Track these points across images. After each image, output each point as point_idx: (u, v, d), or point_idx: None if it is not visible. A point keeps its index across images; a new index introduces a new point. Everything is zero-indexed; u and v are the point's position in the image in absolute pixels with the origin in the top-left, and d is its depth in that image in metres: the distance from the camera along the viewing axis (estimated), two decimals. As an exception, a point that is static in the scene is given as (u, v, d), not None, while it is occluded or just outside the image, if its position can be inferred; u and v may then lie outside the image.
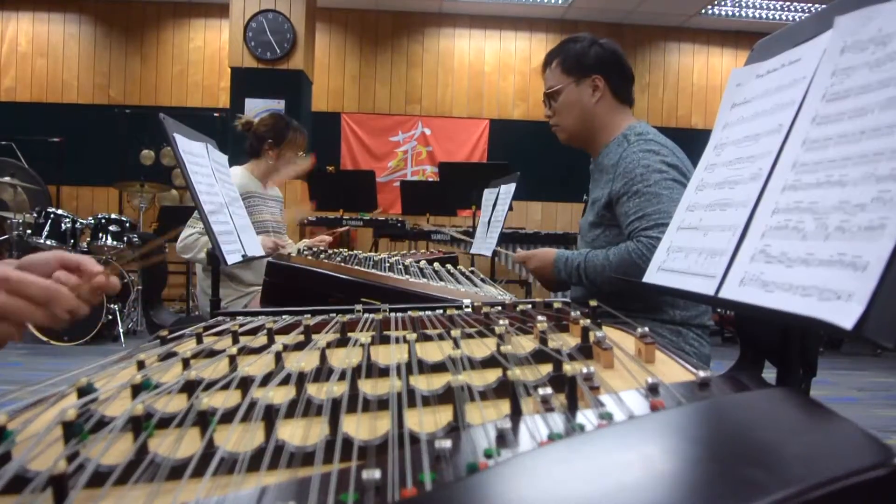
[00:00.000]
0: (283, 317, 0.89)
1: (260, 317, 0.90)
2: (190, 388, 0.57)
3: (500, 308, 0.89)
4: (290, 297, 1.54)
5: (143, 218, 5.80)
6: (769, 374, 0.61)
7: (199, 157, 1.56)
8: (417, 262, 1.70)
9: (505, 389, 0.54)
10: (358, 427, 0.49)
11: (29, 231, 4.81)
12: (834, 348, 5.30)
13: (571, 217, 7.00)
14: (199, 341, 0.78)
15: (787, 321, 0.59)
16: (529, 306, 0.89)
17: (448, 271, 1.49)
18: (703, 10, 6.73)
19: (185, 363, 0.67)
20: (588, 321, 0.73)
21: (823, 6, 0.69)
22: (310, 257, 1.93)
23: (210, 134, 1.78)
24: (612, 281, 1.52)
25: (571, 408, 0.47)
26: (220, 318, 0.94)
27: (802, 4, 6.51)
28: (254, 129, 2.74)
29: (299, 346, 0.73)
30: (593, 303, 0.79)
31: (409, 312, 0.86)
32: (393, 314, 0.86)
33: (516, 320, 0.83)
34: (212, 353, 0.72)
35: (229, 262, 1.50)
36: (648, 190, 1.50)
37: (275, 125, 2.73)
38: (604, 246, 1.61)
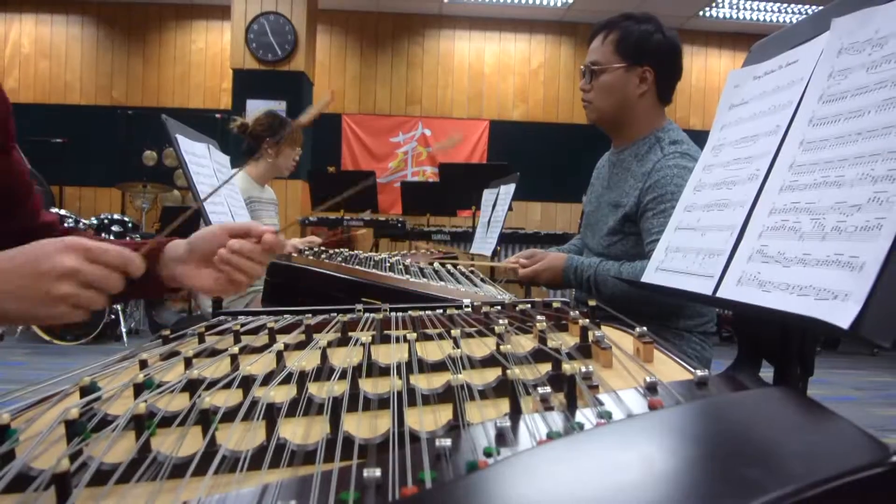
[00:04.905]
0: (285, 316, 0.89)
1: (261, 316, 0.91)
2: (192, 387, 0.57)
3: (499, 308, 0.89)
4: (291, 296, 1.55)
5: (145, 218, 5.81)
6: (767, 373, 0.61)
7: (201, 158, 1.56)
8: (417, 262, 1.70)
9: (504, 388, 0.54)
10: (359, 426, 0.49)
11: (30, 232, 4.81)
12: (831, 348, 5.30)
13: (571, 217, 7.00)
14: (201, 341, 0.79)
15: (784, 321, 0.59)
16: (529, 306, 0.89)
17: (448, 271, 1.50)
18: (702, 12, 6.73)
19: (187, 362, 0.67)
20: (587, 321, 0.73)
21: (821, 8, 0.70)
22: (311, 257, 1.93)
23: (211, 135, 1.79)
24: (619, 291, 1.48)
25: (570, 407, 0.47)
26: (221, 317, 0.95)
27: (800, 6, 6.51)
28: (250, 129, 2.75)
29: (300, 346, 0.73)
30: (592, 302, 0.79)
31: (410, 312, 0.86)
32: (393, 314, 0.86)
33: (516, 320, 0.83)
34: (213, 353, 0.73)
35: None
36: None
37: (271, 123, 2.74)
38: (619, 253, 1.56)
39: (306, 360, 0.62)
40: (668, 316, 1.54)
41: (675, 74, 1.63)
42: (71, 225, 4.79)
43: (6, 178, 0.89)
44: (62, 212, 4.93)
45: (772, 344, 0.62)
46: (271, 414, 0.46)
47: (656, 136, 1.58)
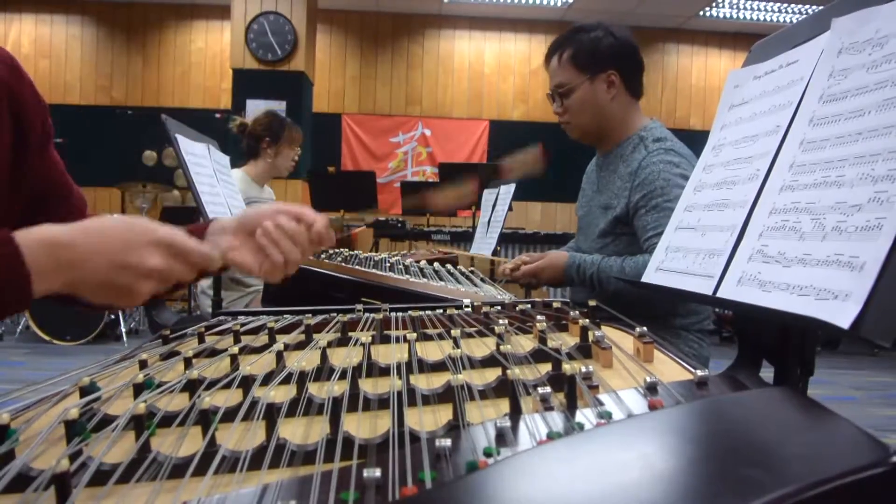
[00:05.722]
0: (285, 316, 0.89)
1: (261, 316, 0.91)
2: (192, 387, 0.57)
3: (499, 308, 0.89)
4: (290, 296, 1.54)
5: (144, 218, 5.80)
6: (767, 373, 0.61)
7: (200, 158, 1.56)
8: (417, 262, 1.70)
9: (504, 388, 0.54)
10: (359, 426, 0.49)
11: (30, 232, 4.80)
12: (831, 347, 5.30)
13: (570, 217, 7.00)
14: (201, 341, 0.78)
15: (784, 321, 0.59)
16: (529, 306, 0.89)
17: (448, 271, 1.50)
18: (702, 12, 6.73)
19: (187, 362, 0.67)
20: (587, 321, 0.73)
21: (821, 8, 0.70)
22: (310, 257, 1.93)
23: (211, 135, 1.79)
24: (623, 287, 1.48)
25: (570, 407, 0.47)
26: (221, 317, 0.95)
27: (800, 6, 6.51)
28: (249, 129, 2.74)
29: (300, 346, 0.73)
30: (592, 303, 0.79)
31: (410, 312, 0.86)
32: (393, 314, 0.86)
33: (516, 320, 0.83)
34: (213, 353, 0.73)
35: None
36: (668, 205, 1.44)
37: (271, 123, 2.73)
38: (612, 255, 1.56)
39: (306, 361, 0.62)
40: (664, 314, 1.54)
41: (638, 69, 1.65)
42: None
43: (45, 177, 0.89)
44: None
45: (772, 344, 0.62)
46: (271, 414, 0.46)
47: (639, 136, 1.60)
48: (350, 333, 0.79)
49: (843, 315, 0.47)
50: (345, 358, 0.60)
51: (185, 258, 0.66)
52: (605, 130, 1.64)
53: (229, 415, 0.51)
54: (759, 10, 6.67)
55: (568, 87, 1.61)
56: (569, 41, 1.61)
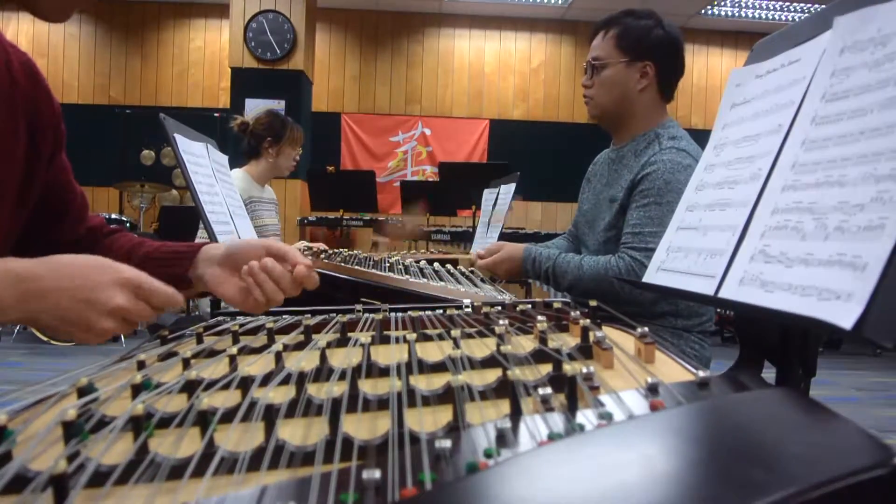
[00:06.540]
0: (284, 317, 0.89)
1: (260, 317, 0.90)
2: (190, 387, 0.57)
3: (500, 308, 0.89)
4: (289, 297, 1.54)
5: (143, 218, 5.81)
6: (769, 374, 0.61)
7: (199, 158, 1.56)
8: (417, 262, 1.69)
9: (505, 389, 0.54)
10: (358, 427, 0.49)
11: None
12: (833, 348, 5.30)
13: (571, 217, 7.00)
14: (200, 341, 0.78)
15: (786, 321, 0.59)
16: (529, 306, 0.89)
17: (448, 271, 1.49)
18: (703, 11, 6.73)
19: (186, 363, 0.67)
20: (588, 321, 0.73)
21: (823, 7, 0.69)
22: (310, 257, 1.93)
23: (210, 134, 1.78)
24: (576, 282, 1.49)
25: (571, 408, 0.47)
26: (220, 317, 0.94)
27: (802, 5, 6.51)
28: (251, 128, 2.73)
29: (299, 346, 0.73)
30: (593, 303, 0.79)
31: (409, 312, 0.86)
32: (393, 314, 0.86)
33: (516, 320, 0.83)
34: (212, 353, 0.72)
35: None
36: (657, 207, 1.44)
37: (272, 123, 2.73)
38: (615, 248, 1.57)
39: (305, 361, 0.62)
40: (656, 316, 1.54)
41: (676, 70, 1.64)
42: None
43: (52, 182, 0.89)
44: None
45: (774, 345, 0.62)
46: (270, 415, 0.46)
47: (656, 133, 1.59)
48: (349, 334, 0.78)
49: (845, 315, 0.47)
50: (344, 358, 0.59)
51: (149, 299, 0.68)
52: (624, 118, 1.63)
53: (228, 416, 0.51)
54: (760, 8, 6.68)
55: (603, 62, 1.60)
56: (619, 22, 1.61)
